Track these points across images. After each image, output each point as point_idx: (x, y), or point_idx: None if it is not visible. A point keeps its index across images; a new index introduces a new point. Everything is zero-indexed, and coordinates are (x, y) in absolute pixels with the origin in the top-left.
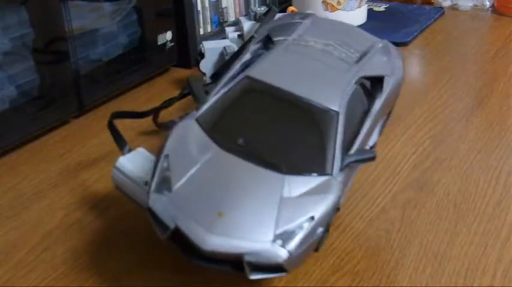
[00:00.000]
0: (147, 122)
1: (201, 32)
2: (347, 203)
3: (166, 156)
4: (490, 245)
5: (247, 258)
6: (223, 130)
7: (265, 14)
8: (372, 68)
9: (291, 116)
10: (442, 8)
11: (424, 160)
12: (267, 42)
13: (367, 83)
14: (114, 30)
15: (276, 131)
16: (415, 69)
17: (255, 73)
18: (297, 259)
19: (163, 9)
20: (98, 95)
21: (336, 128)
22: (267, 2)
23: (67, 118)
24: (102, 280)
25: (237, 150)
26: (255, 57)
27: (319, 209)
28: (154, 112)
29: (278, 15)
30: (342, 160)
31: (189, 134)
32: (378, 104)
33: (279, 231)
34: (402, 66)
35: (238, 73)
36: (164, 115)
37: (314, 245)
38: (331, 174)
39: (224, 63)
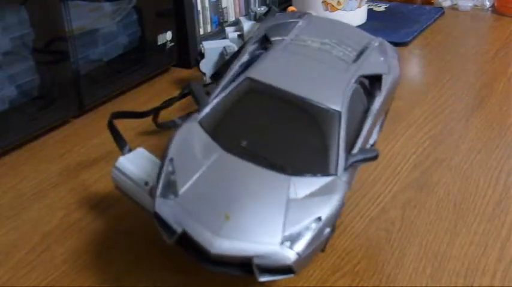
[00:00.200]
0: (147, 122)
1: (201, 32)
2: (347, 203)
3: (171, 160)
4: (490, 245)
5: (256, 261)
6: (226, 132)
7: (265, 14)
8: (370, 67)
9: (294, 117)
10: (442, 8)
11: (424, 160)
12: (264, 42)
13: (366, 82)
14: (114, 30)
15: (279, 133)
16: (415, 69)
17: (256, 74)
18: (305, 260)
19: (163, 9)
20: (98, 95)
21: (339, 128)
22: (267, 2)
23: (67, 118)
24: (102, 280)
25: (241, 152)
26: (253, 57)
27: (326, 209)
28: (154, 112)
29: (277, 15)
30: (346, 159)
31: (192, 137)
32: (377, 102)
33: (286, 233)
34: (399, 64)
35: (237, 74)
36: (164, 115)
37: (321, 245)
38: (335, 174)
39: (224, 63)
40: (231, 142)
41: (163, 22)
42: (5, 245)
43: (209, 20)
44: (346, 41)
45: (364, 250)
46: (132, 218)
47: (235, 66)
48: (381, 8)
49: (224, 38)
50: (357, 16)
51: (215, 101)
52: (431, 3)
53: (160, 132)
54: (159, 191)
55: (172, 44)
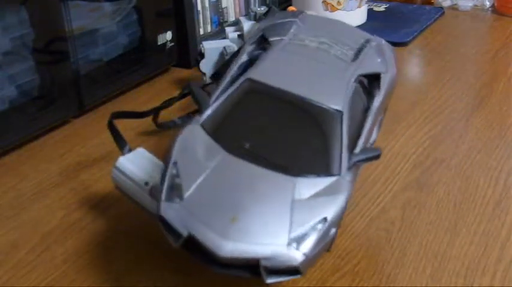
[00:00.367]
0: (147, 122)
1: (201, 32)
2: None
3: (175, 163)
4: (490, 245)
5: (263, 262)
6: (229, 135)
7: (265, 14)
8: (368, 66)
9: (296, 117)
10: (442, 8)
11: (424, 160)
12: (262, 43)
13: (365, 81)
14: (114, 30)
15: (282, 134)
16: (415, 69)
17: (257, 75)
18: (312, 260)
19: (163, 9)
20: (98, 95)
21: (341, 128)
22: (267, 2)
23: (67, 118)
24: (102, 280)
25: (245, 154)
26: (252, 58)
27: (331, 210)
28: (154, 112)
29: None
30: (349, 159)
31: (195, 140)
32: (377, 101)
33: (293, 234)
34: (395, 62)
35: (236, 75)
36: (164, 115)
37: (327, 245)
38: (339, 174)
39: (224, 63)
40: (234, 144)
41: (163, 22)
42: (5, 245)
43: (209, 20)
44: (343, 39)
45: (364, 250)
46: (132, 218)
47: (234, 67)
48: (381, 8)
49: (224, 38)
50: (357, 16)
51: (217, 103)
52: (431, 3)
53: (160, 133)
54: (163, 195)
55: (172, 44)
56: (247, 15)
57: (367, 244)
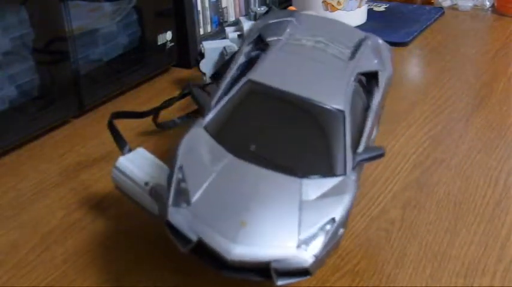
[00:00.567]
0: (147, 122)
1: (201, 32)
2: None
3: (180, 167)
4: (490, 245)
5: (273, 265)
6: (233, 137)
7: (265, 14)
8: (366, 64)
9: (298, 118)
10: (442, 8)
11: (424, 160)
12: (259, 43)
13: (363, 79)
14: (114, 30)
15: (286, 135)
16: (415, 69)
17: (257, 76)
18: (322, 261)
19: (163, 9)
20: (98, 95)
21: (344, 128)
22: (267, 2)
23: (67, 118)
24: (102, 280)
25: (250, 156)
26: (250, 58)
27: (339, 210)
28: (154, 112)
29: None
30: (353, 158)
31: (199, 144)
32: (376, 99)
33: (302, 236)
34: (392, 60)
35: (236, 76)
36: (164, 115)
37: (336, 245)
38: (344, 174)
39: (224, 63)
40: (239, 147)
41: (163, 22)
42: (5, 245)
43: (209, 20)
44: (338, 38)
45: (364, 250)
46: (132, 218)
47: (233, 69)
48: (381, 8)
49: (224, 38)
50: (357, 16)
51: (219, 105)
52: (431, 3)
53: (160, 133)
54: (170, 200)
55: (172, 44)
56: (247, 15)
57: (367, 244)
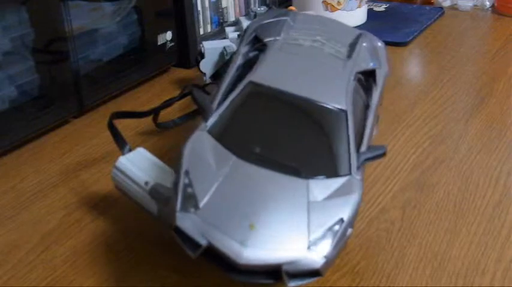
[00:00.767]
0: (147, 122)
1: (201, 32)
2: None
3: (186, 172)
4: (490, 245)
5: (285, 268)
6: (238, 140)
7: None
8: (364, 62)
9: (301, 119)
10: (442, 8)
11: (424, 160)
12: (256, 43)
13: (361, 77)
14: (114, 30)
15: (290, 136)
16: (415, 69)
17: (258, 78)
18: (331, 261)
19: (163, 9)
20: (98, 95)
21: (347, 127)
22: (267, 2)
23: (67, 118)
24: (102, 280)
25: (256, 159)
26: (248, 59)
27: (347, 210)
28: (154, 112)
29: (263, 13)
30: (358, 158)
31: (204, 148)
32: (375, 97)
33: (312, 237)
34: (387, 56)
35: (236, 77)
36: (164, 115)
37: (344, 245)
38: (350, 174)
39: (224, 63)
40: (244, 149)
41: (163, 22)
42: (5, 245)
43: (209, 20)
44: (334, 36)
45: (364, 250)
46: (132, 218)
47: (232, 70)
48: (381, 8)
49: (224, 38)
50: (357, 16)
51: (221, 108)
52: (431, 3)
53: (160, 133)
54: (178, 205)
55: (172, 44)
56: (247, 15)
57: (367, 244)
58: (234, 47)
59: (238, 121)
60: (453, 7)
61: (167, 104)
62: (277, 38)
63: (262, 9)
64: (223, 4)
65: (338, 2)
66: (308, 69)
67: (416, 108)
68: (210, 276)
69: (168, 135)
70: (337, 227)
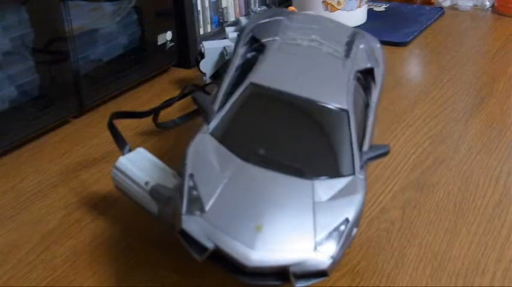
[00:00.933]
0: (147, 122)
1: (201, 32)
2: None
3: (191, 175)
4: (490, 245)
5: (292, 269)
6: (241, 142)
7: None
8: (362, 61)
9: (303, 119)
10: (442, 8)
11: (424, 159)
12: (254, 44)
13: (360, 76)
14: (114, 30)
15: (292, 137)
16: (415, 69)
17: (259, 79)
18: (338, 261)
19: (163, 9)
20: (98, 95)
21: (349, 127)
22: (267, 2)
23: (67, 118)
24: (102, 280)
25: (260, 160)
26: (247, 60)
27: (352, 210)
28: (154, 112)
29: (258, 13)
30: (361, 157)
31: (208, 150)
32: (374, 96)
33: (318, 238)
34: (383, 55)
35: (236, 79)
36: (164, 115)
37: (349, 245)
38: (353, 173)
39: (224, 63)
40: (248, 151)
41: (163, 22)
42: (5, 245)
43: (209, 20)
44: (330, 35)
45: (364, 250)
46: (132, 218)
47: (231, 71)
48: (381, 8)
49: (224, 38)
50: (357, 16)
51: (223, 110)
52: (431, 3)
53: (160, 133)
54: (184, 209)
55: (172, 44)
56: (247, 15)
57: (367, 244)
58: None
59: (241, 123)
60: (453, 7)
61: (167, 104)
62: (275, 38)
63: (262, 9)
64: (223, 4)
65: (338, 2)
66: (308, 69)
67: (416, 108)
68: (210, 276)
69: (168, 135)
70: (342, 227)
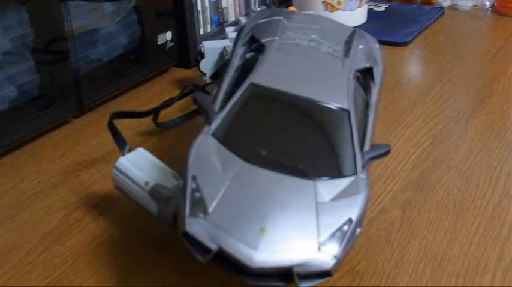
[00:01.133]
0: (147, 122)
1: (201, 32)
2: None
3: (194, 177)
4: (490, 245)
5: (296, 269)
6: (243, 143)
7: None
8: (361, 60)
9: (304, 119)
10: (442, 8)
11: (424, 159)
12: (253, 44)
13: (359, 76)
14: (114, 30)
15: (294, 137)
16: (415, 69)
17: (259, 80)
18: (341, 261)
19: (163, 9)
20: (98, 95)
21: (350, 127)
22: (267, 2)
23: (67, 118)
24: (102, 280)
25: (262, 161)
26: (246, 60)
27: (355, 210)
28: (154, 112)
29: (256, 13)
30: (362, 157)
31: (210, 152)
32: (374, 95)
33: (322, 238)
34: (381, 53)
35: (235, 79)
36: (164, 115)
37: (353, 245)
38: (355, 173)
39: (224, 63)
40: (250, 152)
41: (163, 22)
42: (5, 245)
43: (209, 20)
44: (328, 35)
45: (364, 250)
46: (132, 218)
47: (231, 71)
48: (381, 8)
49: (224, 38)
50: (357, 16)
51: (224, 111)
52: (431, 3)
53: (160, 133)
54: (187, 211)
55: (172, 44)
56: (247, 15)
57: (367, 244)
58: None
59: (242, 124)
60: (453, 7)
61: (167, 104)
62: (274, 38)
63: (261, 9)
64: (223, 4)
65: (338, 2)
66: (308, 69)
67: (416, 108)
68: (210, 276)
69: (168, 135)
70: (346, 228)
